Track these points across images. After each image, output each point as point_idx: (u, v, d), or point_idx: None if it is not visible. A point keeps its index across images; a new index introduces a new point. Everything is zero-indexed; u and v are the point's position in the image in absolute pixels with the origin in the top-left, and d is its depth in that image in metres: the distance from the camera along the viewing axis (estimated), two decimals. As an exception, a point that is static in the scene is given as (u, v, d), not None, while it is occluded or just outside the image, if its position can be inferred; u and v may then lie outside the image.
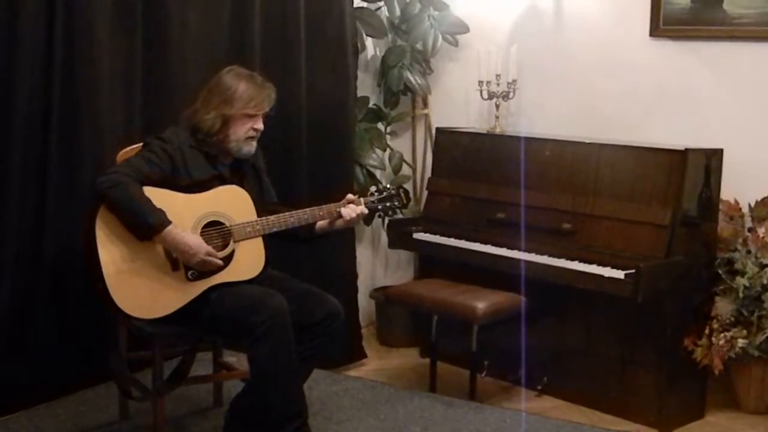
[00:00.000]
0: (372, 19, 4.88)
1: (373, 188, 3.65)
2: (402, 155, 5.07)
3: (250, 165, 3.55)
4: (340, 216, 3.49)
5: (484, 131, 4.74)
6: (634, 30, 4.41)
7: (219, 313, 3.26)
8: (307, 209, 3.45)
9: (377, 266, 5.28)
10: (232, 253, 3.33)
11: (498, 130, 4.65)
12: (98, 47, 3.76)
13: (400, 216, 4.51)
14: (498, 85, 4.66)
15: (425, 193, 4.85)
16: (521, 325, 4.10)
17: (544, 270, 3.97)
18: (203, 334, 3.39)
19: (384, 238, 4.96)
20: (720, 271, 4.00)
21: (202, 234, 3.29)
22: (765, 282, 3.91)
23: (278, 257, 3.53)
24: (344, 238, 4.53)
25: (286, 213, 3.42)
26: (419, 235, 4.48)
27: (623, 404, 3.98)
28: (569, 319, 4.13)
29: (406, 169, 5.12)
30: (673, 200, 3.81)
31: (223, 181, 3.40)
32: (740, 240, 4.05)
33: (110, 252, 3.19)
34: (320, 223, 3.52)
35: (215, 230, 3.32)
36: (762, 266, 3.95)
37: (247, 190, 3.42)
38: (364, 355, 4.70)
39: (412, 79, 4.91)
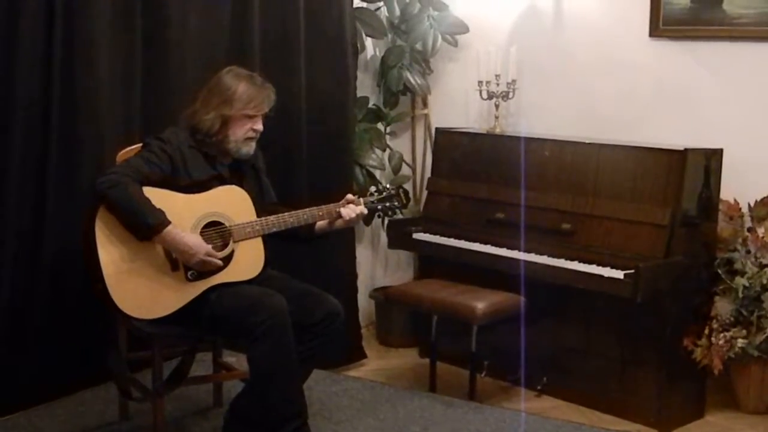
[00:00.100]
0: (371, 19, 4.88)
1: (372, 188, 3.65)
2: (401, 155, 5.08)
3: (250, 165, 3.55)
4: (339, 216, 3.49)
5: (484, 131, 4.74)
6: (633, 30, 4.41)
7: (218, 313, 3.26)
8: (307, 209, 3.45)
9: (377, 266, 5.28)
10: (232, 253, 3.33)
11: (497, 131, 4.65)
12: (98, 47, 3.76)
13: (399, 216, 4.52)
14: (497, 85, 4.66)
15: (425, 193, 4.85)
16: (521, 326, 4.10)
17: (543, 270, 3.97)
18: (203, 334, 3.39)
19: (384, 238, 4.96)
20: (719, 271, 4.00)
21: (201, 234, 3.29)
22: (764, 282, 3.91)
23: (278, 257, 3.53)
24: (344, 238, 4.53)
25: (286, 213, 3.42)
26: (419, 235, 4.48)
27: (623, 404, 3.98)
28: (569, 320, 4.13)
29: (405, 170, 5.12)
30: (673, 200, 3.81)
31: (223, 182, 3.40)
32: (740, 240, 4.05)
33: (110, 252, 3.20)
34: (320, 224, 3.52)
35: (215, 230, 3.32)
36: (761, 266, 3.95)
37: (246, 191, 3.42)
38: (363, 356, 4.70)
39: (411, 79, 4.91)
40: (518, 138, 4.37)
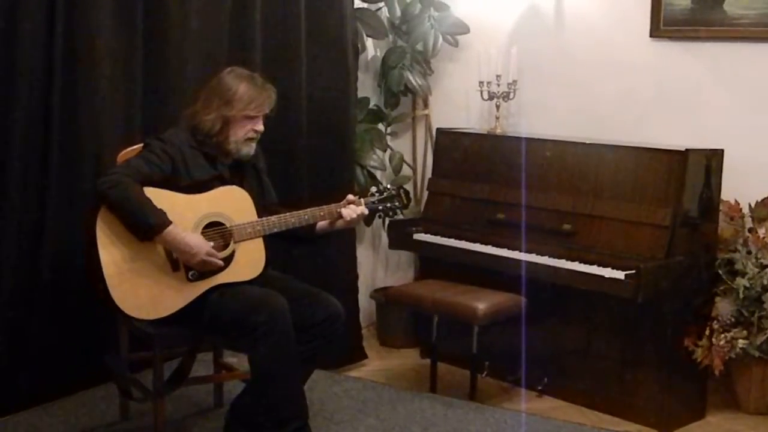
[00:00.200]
0: (372, 19, 4.88)
1: (373, 189, 3.65)
2: (402, 156, 5.08)
3: (251, 165, 3.55)
4: (340, 216, 3.49)
5: (485, 132, 4.74)
6: (634, 31, 4.41)
7: (219, 313, 3.26)
8: (308, 210, 3.45)
9: (378, 267, 5.28)
10: (233, 253, 3.33)
11: (498, 131, 4.65)
12: (98, 48, 3.76)
13: (400, 216, 4.52)
14: (498, 85, 4.66)
15: (425, 193, 4.85)
16: (522, 326, 4.10)
17: (544, 270, 3.97)
18: (203, 334, 3.39)
19: (384, 238, 4.96)
20: (720, 272, 4.00)
21: (202, 234, 3.29)
22: (765, 282, 3.91)
23: (278, 258, 3.53)
24: (345, 238, 4.53)
25: (287, 213, 3.42)
26: (419, 236, 4.48)
27: (624, 405, 3.98)
28: (570, 320, 4.13)
29: (406, 170, 5.12)
30: (674, 201, 3.81)
31: (224, 182, 3.40)
32: (740, 240, 4.05)
33: (111, 253, 3.19)
34: (321, 224, 3.52)
35: (216, 231, 3.32)
36: (762, 267, 3.95)
37: (247, 191, 3.42)
38: (364, 356, 4.70)
39: (412, 79, 4.91)
40: (519, 138, 4.37)
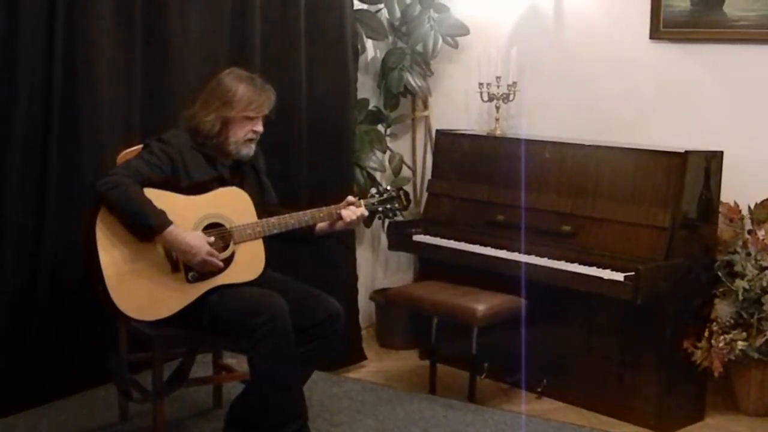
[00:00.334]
0: (372, 21, 4.88)
1: (373, 190, 3.65)
2: (402, 157, 5.08)
3: (250, 166, 3.55)
4: (340, 218, 3.49)
5: (484, 133, 4.74)
6: (634, 32, 4.41)
7: (219, 314, 3.26)
8: (308, 211, 3.45)
9: (377, 268, 5.28)
10: (233, 254, 3.33)
11: (498, 132, 4.66)
12: (98, 48, 3.76)
13: (400, 218, 4.52)
14: (498, 87, 4.66)
15: (425, 195, 4.85)
16: (521, 328, 4.10)
17: (544, 272, 3.97)
18: (203, 335, 3.39)
19: (384, 240, 4.96)
20: (720, 274, 4.00)
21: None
22: (765, 284, 3.92)
23: (278, 259, 3.53)
24: (344, 240, 4.53)
25: (287, 215, 3.42)
26: (419, 237, 4.48)
27: (623, 406, 3.98)
28: (569, 322, 4.13)
29: (406, 171, 5.12)
30: (673, 202, 3.81)
31: (223, 183, 3.40)
32: (740, 242, 4.05)
33: (110, 254, 3.19)
34: (320, 225, 3.52)
35: (215, 232, 3.32)
36: (762, 269, 3.96)
37: (247, 192, 3.42)
38: (363, 357, 4.70)
39: (412, 81, 4.91)
40: (519, 140, 4.37)
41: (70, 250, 3.63)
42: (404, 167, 5.09)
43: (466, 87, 4.94)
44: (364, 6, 4.89)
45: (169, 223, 3.19)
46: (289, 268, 3.64)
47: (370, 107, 4.99)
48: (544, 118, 4.73)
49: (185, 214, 3.27)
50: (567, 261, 3.94)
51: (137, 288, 3.21)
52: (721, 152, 4.00)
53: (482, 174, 4.47)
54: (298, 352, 3.26)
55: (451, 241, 4.34)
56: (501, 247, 4.16)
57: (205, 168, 3.38)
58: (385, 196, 3.62)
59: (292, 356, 3.24)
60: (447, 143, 4.69)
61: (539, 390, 4.22)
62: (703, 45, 4.27)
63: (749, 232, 4.08)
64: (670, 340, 3.88)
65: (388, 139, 5.09)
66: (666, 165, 3.86)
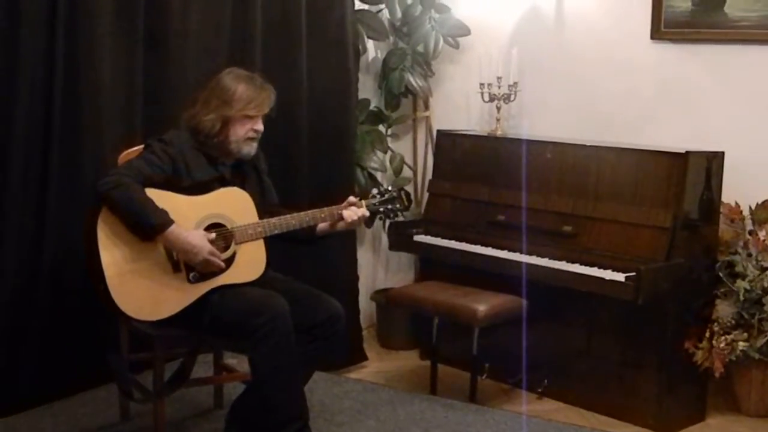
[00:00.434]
0: (373, 21, 4.88)
1: (374, 191, 3.65)
2: (403, 157, 5.08)
3: (252, 166, 3.55)
4: (341, 218, 3.49)
5: (485, 134, 4.74)
6: (635, 33, 4.41)
7: (220, 315, 3.26)
8: (309, 211, 3.45)
9: (378, 268, 5.28)
10: (234, 255, 3.33)
11: (499, 133, 4.66)
12: (100, 48, 3.76)
13: (400, 218, 4.51)
14: (499, 87, 4.66)
15: (426, 195, 4.85)
16: (522, 328, 4.10)
17: (544, 272, 3.97)
18: (204, 336, 3.39)
19: (385, 240, 4.96)
20: (721, 274, 4.00)
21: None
22: (766, 285, 3.91)
23: (279, 259, 3.53)
24: (345, 240, 4.53)
25: (288, 215, 3.42)
26: (420, 238, 4.48)
27: (624, 407, 3.98)
28: (570, 322, 4.13)
29: (406, 172, 5.12)
30: (674, 203, 3.81)
31: (225, 183, 3.40)
32: (741, 243, 4.05)
33: (112, 254, 3.19)
34: (321, 225, 3.52)
35: (217, 232, 3.32)
36: (763, 269, 3.95)
37: (248, 192, 3.42)
38: (364, 358, 4.70)
39: (413, 81, 4.91)
40: (520, 140, 4.37)
41: (71, 250, 3.63)
42: (405, 167, 5.09)
43: (467, 87, 4.93)
44: (365, 6, 4.89)
45: (170, 222, 3.19)
46: (290, 269, 3.64)
47: (371, 107, 4.99)
48: (545, 119, 4.73)
49: (186, 214, 3.27)
50: (568, 261, 3.94)
51: (138, 288, 3.21)
52: (722, 153, 4.00)
53: (483, 174, 4.47)
54: (299, 353, 3.26)
55: (452, 242, 4.34)
56: (502, 248, 4.16)
57: (206, 168, 3.38)
58: (386, 196, 3.61)
59: (293, 356, 3.24)
60: (448, 143, 4.69)
61: (540, 390, 4.21)
62: (704, 45, 4.27)
63: (750, 232, 4.07)
64: (671, 340, 3.88)
65: (389, 139, 5.09)
66: (667, 165, 3.86)
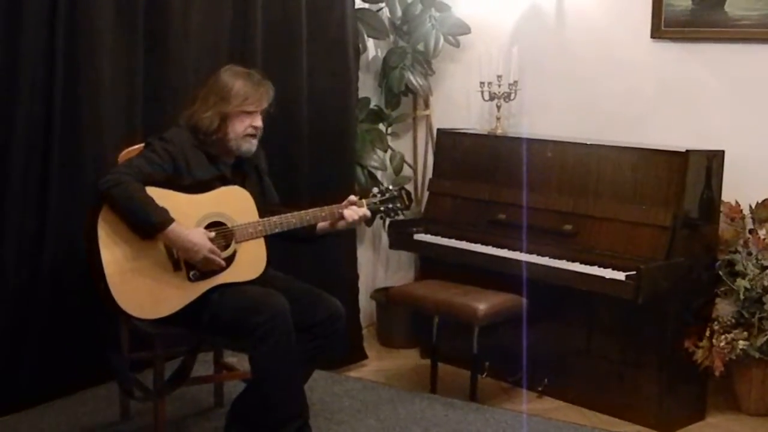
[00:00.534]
0: (373, 20, 4.88)
1: (375, 189, 3.64)
2: (403, 156, 5.08)
3: (252, 166, 3.55)
4: (342, 217, 3.49)
5: (486, 132, 4.74)
6: (635, 32, 4.41)
7: (220, 313, 3.26)
8: (309, 210, 3.45)
9: (378, 267, 5.28)
10: (234, 253, 3.33)
11: (499, 132, 4.65)
12: (100, 47, 3.76)
13: (401, 217, 4.51)
14: (499, 86, 4.66)
15: (426, 194, 4.85)
16: (522, 327, 4.10)
17: (545, 271, 3.97)
18: (204, 334, 3.39)
19: (385, 238, 4.96)
20: (721, 273, 4.00)
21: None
22: (766, 284, 3.92)
23: (279, 258, 3.53)
24: (345, 239, 4.53)
25: (288, 214, 3.42)
26: (420, 236, 4.48)
27: (624, 406, 3.98)
28: (570, 321, 4.13)
29: (407, 170, 5.12)
30: (674, 202, 3.81)
31: (225, 182, 3.40)
32: (741, 242, 4.05)
33: (112, 252, 3.19)
34: (321, 224, 3.52)
35: (217, 231, 3.32)
36: (763, 268, 3.95)
37: (248, 191, 3.42)
38: (364, 356, 4.70)
39: (413, 80, 4.91)
40: (520, 139, 4.37)
41: (72, 249, 3.63)
42: (405, 166, 5.09)
43: (467, 86, 4.93)
44: (366, 5, 4.89)
45: (171, 220, 3.19)
46: (290, 267, 3.64)
47: (372, 106, 4.99)
48: (545, 117, 4.73)
49: (187, 212, 3.27)
50: (568, 260, 3.94)
51: (139, 286, 3.21)
52: (723, 151, 4.00)
53: (483, 173, 4.47)
54: (299, 351, 3.26)
55: (453, 240, 4.34)
56: (502, 246, 4.16)
57: (207, 167, 3.38)
58: (387, 195, 3.61)
59: (293, 355, 3.24)
60: (448, 142, 4.69)
61: (540, 389, 4.22)
62: (704, 44, 4.27)
63: (750, 231, 4.08)
64: (671, 339, 3.88)
65: (389, 138, 5.09)
66: (667, 164, 3.86)
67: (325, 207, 3.48)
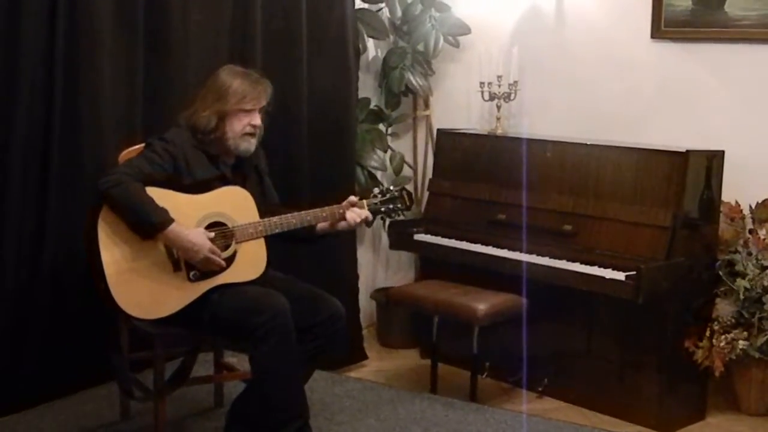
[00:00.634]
0: (373, 20, 4.88)
1: (376, 190, 3.64)
2: (403, 156, 5.08)
3: (253, 166, 3.55)
4: (342, 217, 3.49)
5: (486, 132, 4.74)
6: (635, 32, 4.41)
7: (220, 314, 3.26)
8: (310, 210, 3.45)
9: (378, 267, 5.28)
10: (234, 254, 3.33)
11: (499, 132, 4.66)
12: (100, 48, 3.76)
13: (401, 217, 4.51)
14: (499, 86, 4.66)
15: (426, 194, 4.85)
16: (522, 327, 4.10)
17: (545, 271, 3.97)
18: (205, 334, 3.39)
19: (385, 239, 4.96)
20: (721, 273, 4.00)
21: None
22: (766, 284, 3.92)
23: (279, 258, 3.53)
24: (345, 239, 4.53)
25: (289, 214, 3.42)
26: (420, 237, 4.48)
27: (624, 406, 3.98)
28: (570, 321, 4.13)
29: (407, 171, 5.12)
30: (674, 202, 3.81)
31: (226, 182, 3.40)
32: (741, 242, 4.06)
33: (112, 252, 3.20)
34: (321, 224, 3.52)
35: (217, 231, 3.32)
36: (763, 268, 3.96)
37: (249, 191, 3.42)
38: (364, 356, 4.70)
39: (413, 80, 4.91)
40: (520, 139, 4.37)
41: (72, 250, 3.64)
42: (405, 166, 5.09)
43: (467, 86, 4.93)
44: (366, 5, 4.89)
45: (171, 220, 3.19)
46: (291, 268, 3.64)
47: (372, 106, 4.99)
48: (545, 118, 4.73)
49: (187, 212, 3.27)
50: (568, 260, 3.94)
51: (139, 286, 3.21)
52: (723, 152, 4.00)
53: (483, 173, 4.47)
54: (299, 352, 3.26)
55: (453, 240, 4.34)
56: (502, 247, 4.16)
57: (207, 167, 3.38)
58: (387, 196, 3.61)
59: (293, 355, 3.24)
60: (448, 142, 4.69)
61: (540, 389, 4.22)
62: (704, 44, 4.27)
63: (750, 231, 4.08)
64: (671, 339, 3.88)
65: (389, 138, 5.09)
66: (667, 164, 3.86)
67: (326, 207, 3.48)
